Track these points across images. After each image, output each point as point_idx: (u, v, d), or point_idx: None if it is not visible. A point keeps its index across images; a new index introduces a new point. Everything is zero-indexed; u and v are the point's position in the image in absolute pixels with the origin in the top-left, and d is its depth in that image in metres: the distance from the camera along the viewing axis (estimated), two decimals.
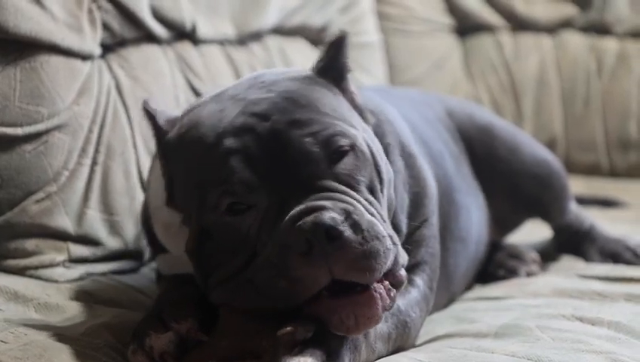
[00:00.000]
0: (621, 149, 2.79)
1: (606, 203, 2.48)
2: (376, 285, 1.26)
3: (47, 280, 1.66)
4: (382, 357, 1.38)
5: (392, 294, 1.28)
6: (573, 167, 2.73)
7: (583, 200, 2.26)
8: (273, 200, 1.28)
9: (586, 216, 2.09)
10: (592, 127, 2.81)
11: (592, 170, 2.79)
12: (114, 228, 1.77)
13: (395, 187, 1.46)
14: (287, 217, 1.25)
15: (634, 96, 2.80)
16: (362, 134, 1.37)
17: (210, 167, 1.32)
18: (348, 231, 1.23)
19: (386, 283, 1.28)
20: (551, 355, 1.35)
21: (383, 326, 1.37)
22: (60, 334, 1.39)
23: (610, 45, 2.87)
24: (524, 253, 1.98)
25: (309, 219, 1.23)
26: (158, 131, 1.43)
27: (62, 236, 1.71)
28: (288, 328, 1.22)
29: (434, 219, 1.58)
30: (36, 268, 1.67)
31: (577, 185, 2.47)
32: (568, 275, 1.87)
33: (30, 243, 1.69)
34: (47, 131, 1.70)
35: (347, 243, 1.22)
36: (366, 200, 1.31)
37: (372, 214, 1.29)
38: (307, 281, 1.23)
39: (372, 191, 1.34)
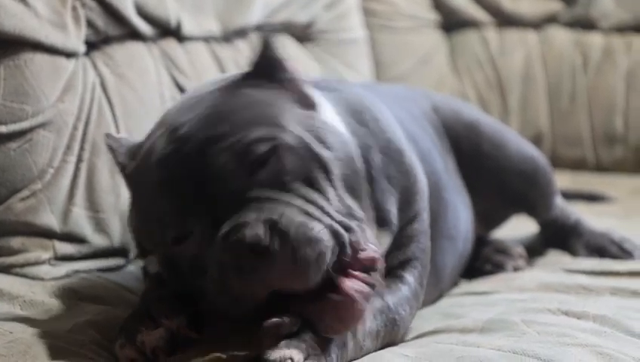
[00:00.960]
0: (607, 144, 2.80)
1: (592, 197, 2.49)
2: (348, 283, 1.25)
3: (32, 278, 1.65)
4: (369, 353, 1.38)
5: (370, 281, 1.27)
6: (559, 162, 2.74)
7: (568, 195, 2.27)
8: (207, 223, 1.28)
9: (571, 211, 2.10)
10: (577, 122, 2.82)
11: (578, 165, 2.80)
12: (99, 225, 1.76)
13: (375, 180, 1.47)
14: (217, 237, 1.25)
15: (619, 91, 2.81)
16: (291, 129, 1.34)
17: (149, 203, 1.34)
18: (274, 244, 1.22)
19: (361, 275, 1.26)
20: (536, 349, 1.35)
21: (372, 324, 1.37)
22: (46, 331, 1.39)
23: (595, 40, 2.88)
24: (511, 248, 1.99)
25: (233, 238, 1.23)
26: (119, 167, 1.47)
27: (47, 234, 1.71)
28: (274, 319, 1.22)
29: (425, 215, 1.58)
30: (22, 266, 1.67)
31: (563, 180, 2.48)
32: (554, 270, 1.88)
33: (16, 241, 1.69)
34: (31, 129, 1.70)
35: (274, 257, 1.22)
36: (302, 196, 1.28)
37: (307, 213, 1.26)
38: (247, 296, 1.24)
39: (310, 183, 1.31)
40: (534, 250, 2.07)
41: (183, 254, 1.32)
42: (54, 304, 1.53)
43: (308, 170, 1.31)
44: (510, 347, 1.36)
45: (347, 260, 1.26)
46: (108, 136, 1.48)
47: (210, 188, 1.28)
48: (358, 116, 1.53)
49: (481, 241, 2.01)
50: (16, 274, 1.66)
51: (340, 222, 1.28)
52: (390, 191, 1.51)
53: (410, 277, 1.51)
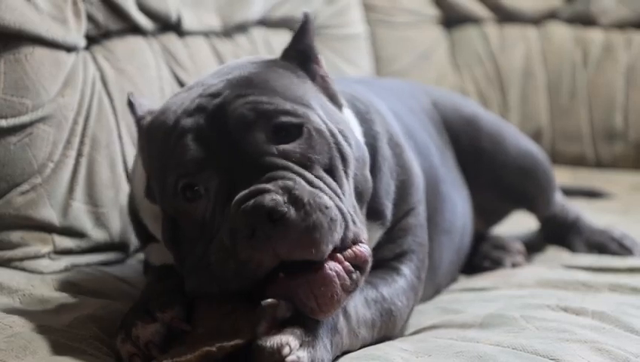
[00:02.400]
0: (606, 140, 2.80)
1: (591, 194, 2.49)
2: (332, 264, 1.25)
3: (32, 271, 1.65)
4: (366, 343, 1.38)
5: (354, 276, 1.27)
6: (558, 158, 2.75)
7: (568, 191, 2.27)
8: (223, 180, 1.29)
9: (571, 207, 2.10)
10: (577, 117, 2.82)
11: (577, 161, 2.80)
12: (99, 219, 1.76)
13: (381, 172, 1.48)
14: (233, 201, 1.26)
15: (619, 87, 2.81)
16: (320, 113, 1.36)
17: (169, 151, 1.34)
18: (290, 211, 1.23)
19: (346, 264, 1.27)
20: (535, 345, 1.35)
21: (366, 313, 1.38)
22: (45, 326, 1.39)
23: (595, 36, 2.88)
24: (509, 244, 1.99)
25: (250, 203, 1.23)
26: (135, 119, 1.47)
27: (47, 228, 1.71)
28: (270, 300, 1.22)
29: (421, 209, 1.58)
30: (21, 259, 1.67)
31: (563, 176, 2.48)
32: (553, 266, 1.88)
33: (15, 235, 1.69)
34: (31, 123, 1.70)
35: (289, 223, 1.23)
36: (318, 177, 1.30)
37: (317, 187, 1.28)
38: (254, 263, 1.24)
39: (331, 170, 1.32)
40: (534, 246, 2.07)
41: (193, 214, 1.32)
42: (54, 298, 1.53)
43: (331, 157, 1.33)
44: (509, 342, 1.37)
45: (341, 246, 1.27)
46: (130, 94, 1.50)
47: (232, 143, 1.30)
48: (366, 110, 1.54)
49: (480, 238, 2.01)
50: (16, 268, 1.66)
51: (346, 208, 1.29)
52: (390, 185, 1.52)
53: (406, 269, 1.51)
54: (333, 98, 1.45)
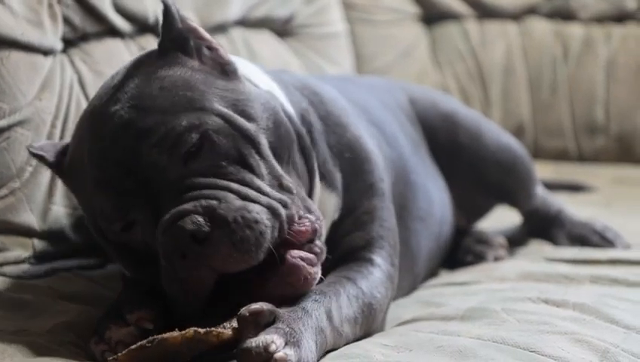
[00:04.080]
0: (588, 134, 2.81)
1: (574, 187, 2.50)
2: (292, 252, 1.31)
3: (12, 276, 1.64)
4: (350, 340, 1.38)
5: (315, 249, 1.34)
6: (541, 153, 2.76)
7: (551, 185, 2.28)
8: (148, 213, 1.32)
9: (553, 201, 2.11)
10: (559, 112, 2.83)
11: (559, 155, 2.81)
12: (79, 223, 1.75)
13: (316, 143, 1.51)
14: (157, 228, 1.29)
15: (600, 81, 2.82)
16: (215, 108, 1.36)
17: (88, 200, 1.38)
18: (214, 231, 1.26)
19: (298, 245, 1.32)
20: (516, 337, 1.35)
21: (348, 311, 1.38)
22: (24, 330, 1.39)
23: (575, 31, 2.89)
24: (492, 238, 1.99)
25: (172, 229, 1.27)
26: (53, 169, 1.51)
27: (27, 232, 1.70)
28: (254, 306, 1.23)
29: (383, 187, 1.58)
30: (1, 264, 1.65)
31: (545, 171, 2.49)
32: (535, 259, 1.89)
33: None
34: (9, 127, 1.69)
35: (215, 242, 1.26)
36: (238, 180, 1.32)
37: (245, 196, 1.30)
38: (194, 280, 1.28)
39: (242, 160, 1.34)
40: (517, 240, 2.08)
41: (132, 242, 1.36)
42: (33, 303, 1.52)
43: (237, 148, 1.34)
44: (490, 335, 1.37)
45: (286, 235, 1.31)
46: (30, 147, 1.52)
47: (147, 182, 1.31)
48: (296, 87, 1.57)
49: (462, 233, 2.01)
50: None
51: (275, 199, 1.32)
52: (333, 159, 1.53)
53: (378, 258, 1.51)
54: (224, 68, 1.43)
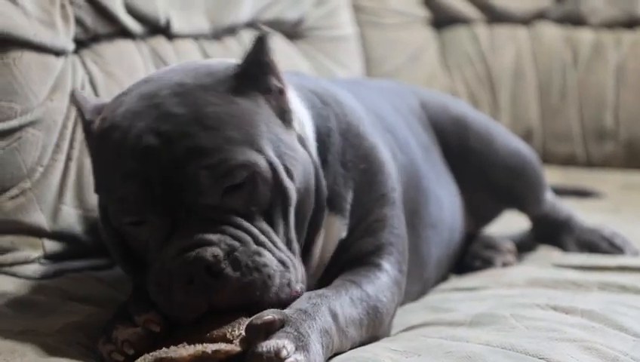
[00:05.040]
0: (597, 140, 2.80)
1: (582, 193, 2.50)
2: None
3: (22, 277, 1.64)
4: (356, 343, 1.39)
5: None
6: (549, 158, 2.75)
7: (559, 191, 2.27)
8: (165, 221, 1.33)
9: (562, 207, 2.11)
10: (568, 117, 2.82)
11: (568, 161, 2.80)
12: (89, 223, 1.76)
13: (329, 164, 1.50)
14: (174, 246, 1.31)
15: (609, 86, 2.82)
16: (268, 155, 1.36)
17: (113, 183, 1.36)
18: (228, 269, 1.28)
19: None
20: (524, 344, 1.35)
21: (352, 312, 1.38)
22: (34, 330, 1.39)
23: (585, 36, 2.89)
24: (500, 244, 1.99)
25: (193, 254, 1.28)
26: (84, 122, 1.47)
27: (37, 232, 1.70)
28: (265, 317, 1.24)
29: (395, 196, 1.58)
30: (11, 264, 1.66)
31: (554, 176, 2.49)
32: (544, 265, 1.88)
33: (5, 240, 1.68)
34: (20, 127, 1.69)
35: (226, 279, 1.28)
36: (259, 229, 1.34)
37: (261, 244, 1.33)
38: (187, 307, 1.30)
39: (269, 215, 1.36)
40: (525, 245, 2.07)
41: (131, 234, 1.37)
42: (43, 303, 1.53)
43: (270, 201, 1.36)
44: (499, 342, 1.37)
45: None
46: (75, 91, 1.50)
47: (179, 196, 1.32)
48: (321, 99, 1.56)
49: (471, 238, 2.01)
50: (6, 273, 1.65)
51: (285, 256, 1.35)
52: (345, 177, 1.53)
53: (386, 264, 1.51)
54: (284, 115, 1.43)
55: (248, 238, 1.32)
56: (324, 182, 1.48)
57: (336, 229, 1.51)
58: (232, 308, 1.30)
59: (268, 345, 1.20)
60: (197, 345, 1.24)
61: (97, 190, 1.43)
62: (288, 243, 1.38)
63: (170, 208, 1.32)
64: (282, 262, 1.33)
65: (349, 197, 1.52)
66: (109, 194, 1.37)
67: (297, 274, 1.37)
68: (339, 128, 1.54)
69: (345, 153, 1.54)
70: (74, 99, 1.48)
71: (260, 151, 1.35)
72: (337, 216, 1.51)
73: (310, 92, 1.56)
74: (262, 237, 1.33)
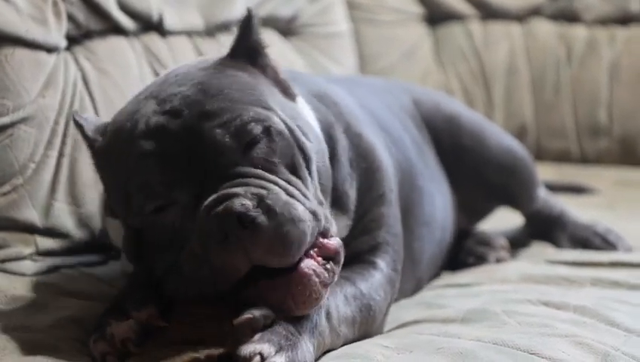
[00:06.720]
0: (591, 136, 2.81)
1: (576, 189, 2.50)
2: (307, 261, 1.27)
3: (14, 273, 1.64)
4: (348, 340, 1.38)
5: (329, 267, 1.29)
6: (543, 154, 2.75)
7: (553, 187, 2.28)
8: (192, 195, 1.29)
9: (555, 203, 2.11)
10: (562, 114, 2.82)
11: (562, 157, 2.80)
12: (82, 220, 1.76)
13: (340, 162, 1.49)
14: (202, 207, 1.26)
15: (603, 83, 2.82)
16: (279, 113, 1.36)
17: (131, 173, 1.33)
18: (261, 217, 1.24)
19: (319, 258, 1.28)
20: (516, 339, 1.36)
21: (346, 310, 1.38)
22: (26, 326, 1.39)
23: (579, 33, 2.89)
24: (493, 240, 1.99)
25: (220, 208, 1.24)
26: (88, 142, 1.45)
27: (29, 229, 1.70)
28: (245, 316, 1.23)
29: (392, 197, 1.58)
30: (3, 261, 1.66)
31: (548, 172, 2.49)
32: (537, 261, 1.89)
33: None
34: (12, 124, 1.69)
35: (260, 229, 1.23)
36: (285, 180, 1.31)
37: (291, 195, 1.29)
38: (228, 268, 1.25)
39: (294, 169, 1.34)
40: (519, 241, 2.08)
41: (157, 223, 1.32)
42: (35, 299, 1.52)
43: (293, 155, 1.34)
44: (491, 337, 1.37)
45: (312, 244, 1.29)
46: (75, 113, 1.48)
47: (202, 163, 1.29)
48: (321, 100, 1.56)
49: (464, 234, 2.01)
50: None
51: (314, 212, 1.30)
52: (351, 176, 1.53)
53: (381, 262, 1.51)
54: (286, 90, 1.45)
55: (277, 189, 1.28)
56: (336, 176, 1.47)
57: (339, 230, 1.49)
58: (271, 265, 1.25)
59: (246, 349, 1.20)
60: (188, 353, 1.23)
61: (114, 200, 1.41)
62: (318, 199, 1.35)
63: (194, 180, 1.29)
64: (316, 213, 1.30)
65: (354, 197, 1.52)
66: (128, 194, 1.34)
67: (333, 225, 1.34)
68: (341, 127, 1.55)
69: (349, 151, 1.54)
70: (75, 121, 1.47)
71: (268, 108, 1.35)
72: (343, 215, 1.50)
73: (307, 90, 1.56)
74: (290, 188, 1.30)
